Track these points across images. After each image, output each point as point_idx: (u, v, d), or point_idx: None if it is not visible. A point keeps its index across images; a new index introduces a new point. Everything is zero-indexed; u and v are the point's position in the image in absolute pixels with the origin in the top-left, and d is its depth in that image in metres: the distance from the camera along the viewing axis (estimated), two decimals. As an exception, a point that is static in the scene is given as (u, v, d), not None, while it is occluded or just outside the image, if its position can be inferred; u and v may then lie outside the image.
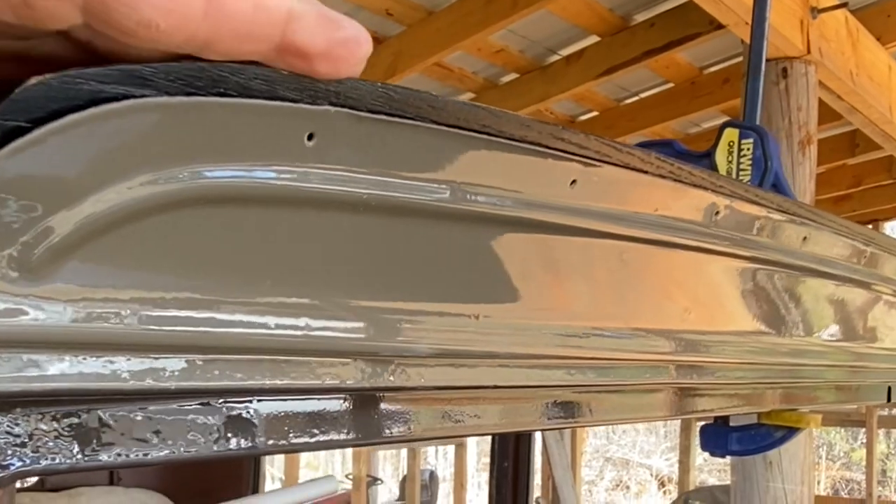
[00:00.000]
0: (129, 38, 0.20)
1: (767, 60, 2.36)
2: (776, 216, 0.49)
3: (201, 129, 0.23)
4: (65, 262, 0.22)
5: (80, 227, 0.22)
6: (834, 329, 0.66)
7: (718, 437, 0.82)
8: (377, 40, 2.86)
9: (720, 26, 2.33)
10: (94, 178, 0.21)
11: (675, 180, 0.40)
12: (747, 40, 2.28)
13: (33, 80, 0.20)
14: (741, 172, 0.81)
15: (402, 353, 0.31)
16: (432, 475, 5.33)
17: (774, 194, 0.48)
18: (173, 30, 0.20)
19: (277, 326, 0.27)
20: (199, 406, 0.27)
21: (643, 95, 3.30)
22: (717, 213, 0.44)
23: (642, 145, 0.98)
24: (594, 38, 2.89)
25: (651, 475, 10.07)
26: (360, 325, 0.30)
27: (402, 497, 4.75)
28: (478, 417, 0.39)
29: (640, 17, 2.80)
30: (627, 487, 10.22)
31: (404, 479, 4.51)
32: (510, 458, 1.18)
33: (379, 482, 4.77)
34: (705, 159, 0.85)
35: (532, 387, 0.39)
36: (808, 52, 2.33)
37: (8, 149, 0.20)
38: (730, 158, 0.82)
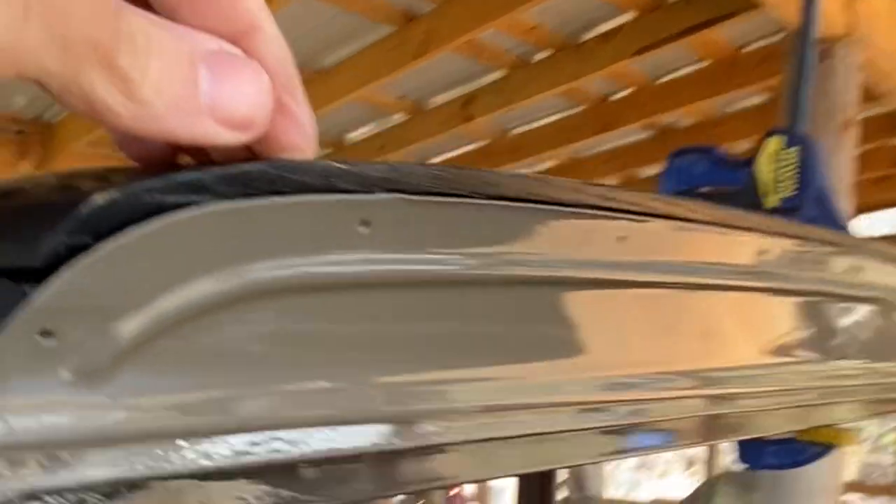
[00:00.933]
0: None
1: (808, 41, 2.32)
2: (821, 249, 0.48)
3: (258, 228, 0.23)
4: (128, 366, 0.22)
5: (142, 333, 0.22)
6: (872, 349, 0.66)
7: (754, 449, 0.82)
8: (408, 18, 2.84)
9: (758, 4, 2.28)
10: (155, 286, 0.22)
11: (723, 226, 0.40)
12: (786, 18, 2.22)
13: (99, 199, 0.20)
14: (785, 182, 0.80)
15: (445, 414, 0.32)
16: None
17: (818, 229, 0.48)
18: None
19: (327, 403, 0.27)
20: (248, 480, 0.28)
21: (679, 74, 3.24)
22: (764, 252, 0.44)
23: (682, 152, 0.97)
24: (630, 16, 2.84)
25: (677, 456, 10.06)
26: (408, 392, 0.30)
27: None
28: (513, 458, 0.39)
29: (677, -5, 2.74)
30: (652, 468, 10.23)
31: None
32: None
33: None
34: (746, 167, 0.84)
35: (571, 431, 0.40)
36: (851, 32, 2.27)
37: (74, 266, 0.20)
38: (773, 167, 0.80)
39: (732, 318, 0.46)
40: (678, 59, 3.13)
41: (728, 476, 3.71)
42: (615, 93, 3.44)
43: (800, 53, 0.90)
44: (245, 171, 0.22)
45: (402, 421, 0.30)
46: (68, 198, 0.21)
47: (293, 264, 0.24)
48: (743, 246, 0.42)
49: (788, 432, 0.77)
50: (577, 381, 0.36)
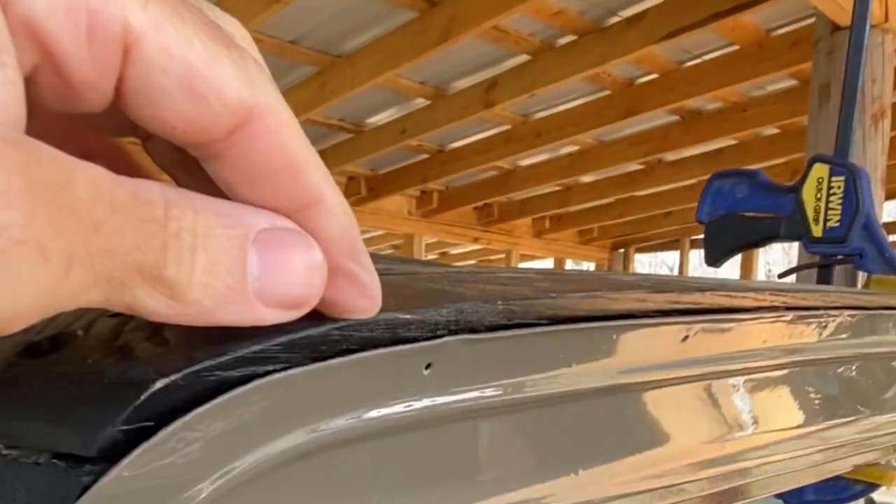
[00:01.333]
0: (143, 124, 0.20)
1: (841, 29, 2.25)
2: (876, 314, 0.46)
3: (326, 389, 0.22)
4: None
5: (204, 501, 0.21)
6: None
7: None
8: (431, 3, 2.81)
9: (791, -10, 2.22)
10: (221, 459, 0.21)
11: (786, 310, 0.38)
12: (816, 3, 2.17)
13: (159, 384, 0.19)
14: (830, 211, 0.77)
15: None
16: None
17: (876, 295, 0.46)
18: (187, 136, 0.20)
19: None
20: None
21: (706, 58, 3.18)
22: (826, 326, 0.42)
23: (723, 174, 0.94)
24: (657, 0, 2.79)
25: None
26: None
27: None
28: None
29: (706, -22, 2.68)
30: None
31: None
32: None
33: None
34: (791, 194, 0.81)
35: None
36: (886, 19, 2.21)
37: (136, 453, 0.19)
38: (818, 196, 0.77)
39: (790, 393, 0.44)
40: (705, 43, 3.07)
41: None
42: (641, 77, 3.39)
43: (846, 79, 0.86)
44: (308, 336, 0.21)
45: None
46: (130, 381, 0.19)
47: (355, 416, 0.23)
48: (810, 323, 0.40)
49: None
50: (627, 478, 0.35)
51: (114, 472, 0.19)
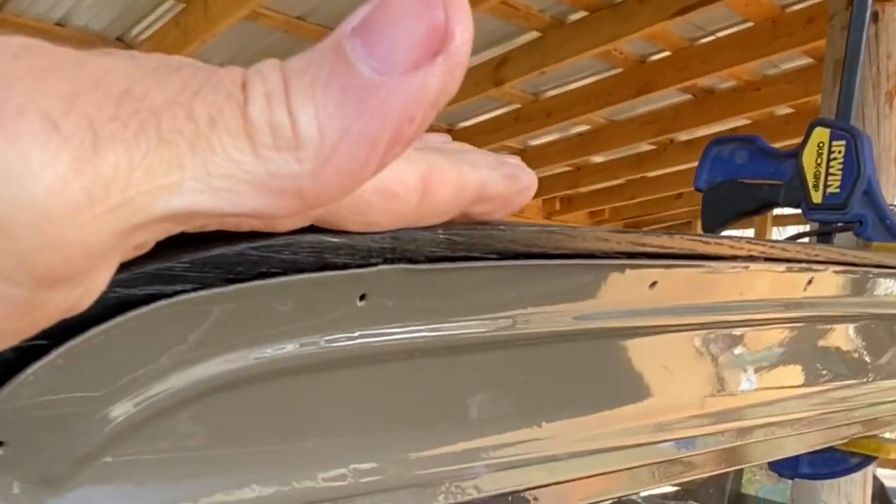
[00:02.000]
0: (354, 230, 0.21)
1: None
2: (870, 274, 0.44)
3: (243, 314, 0.21)
4: (87, 476, 0.20)
5: (109, 433, 0.20)
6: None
7: (789, 459, 0.79)
8: (441, -22, 2.77)
9: (807, -35, 2.17)
10: (124, 383, 0.20)
11: (764, 260, 0.36)
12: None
13: None
14: (830, 177, 0.75)
15: (459, 477, 0.30)
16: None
17: (866, 252, 0.44)
18: (392, 224, 0.21)
19: (332, 479, 0.25)
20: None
21: (720, 35, 3.12)
22: (810, 282, 0.40)
23: (721, 140, 0.92)
24: (669, -25, 2.74)
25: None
26: (419, 460, 0.28)
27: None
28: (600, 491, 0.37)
29: (720, -47, 2.62)
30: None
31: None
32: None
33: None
34: (791, 159, 0.79)
35: (593, 476, 0.37)
36: (904, -7, 2.15)
37: (28, 371, 0.18)
38: (818, 161, 0.75)
39: (768, 350, 0.43)
40: (719, 20, 3.01)
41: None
42: (653, 54, 3.33)
43: (851, 38, 0.84)
44: (222, 255, 0.20)
45: (418, 486, 0.28)
46: None
47: (280, 347, 0.22)
48: (789, 277, 0.39)
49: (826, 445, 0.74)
50: (590, 432, 0.33)
51: (4, 391, 0.18)
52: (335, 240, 0.21)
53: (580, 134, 4.18)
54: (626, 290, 0.31)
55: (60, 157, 0.14)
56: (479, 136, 4.04)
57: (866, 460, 0.74)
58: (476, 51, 3.32)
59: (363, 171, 0.16)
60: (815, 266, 0.39)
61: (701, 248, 0.32)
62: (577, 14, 3.03)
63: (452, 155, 0.23)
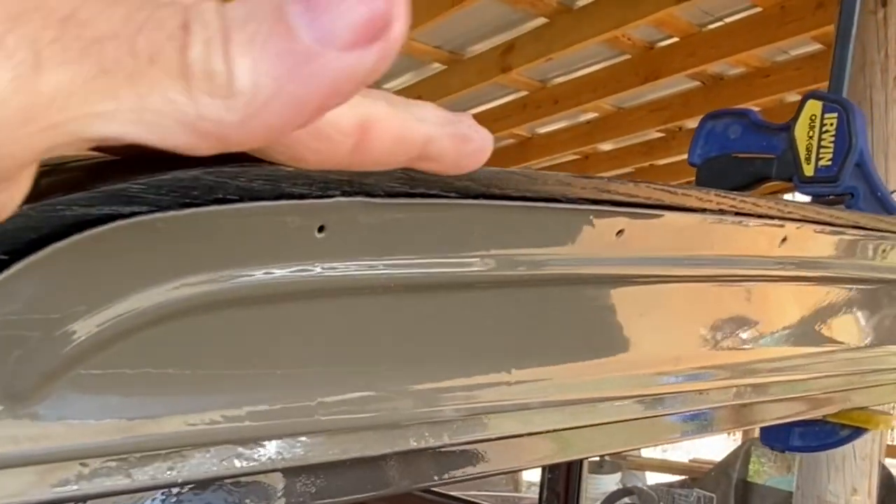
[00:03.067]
0: (279, 162, 0.21)
1: (867, -15, 2.18)
2: (847, 235, 0.45)
3: (199, 238, 0.21)
4: (56, 386, 0.21)
5: (72, 351, 0.21)
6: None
7: (780, 431, 0.79)
8: (446, -36, 2.76)
9: (816, -52, 2.15)
10: (83, 303, 0.20)
11: (735, 214, 0.37)
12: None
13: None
14: (822, 150, 0.75)
15: (430, 419, 0.30)
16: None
17: (843, 212, 0.44)
18: (320, 164, 0.21)
19: (295, 413, 0.26)
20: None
21: (728, 20, 3.10)
22: (784, 239, 0.41)
23: (715, 115, 0.92)
24: (677, -40, 2.72)
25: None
26: (385, 399, 0.28)
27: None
28: (520, 454, 0.38)
29: (728, -63, 2.61)
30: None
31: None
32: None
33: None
34: (783, 133, 0.79)
35: (571, 428, 0.38)
36: (913, -23, 2.13)
37: (-9, 284, 0.19)
38: (810, 133, 0.75)
39: (770, 308, 0.43)
40: (728, 5, 2.99)
41: (765, 435, 3.68)
42: (661, 40, 3.31)
43: (843, 10, 0.84)
44: (177, 179, 0.21)
45: (373, 427, 0.29)
46: None
47: (239, 275, 0.23)
48: (762, 234, 0.39)
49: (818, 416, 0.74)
50: (562, 381, 0.34)
51: (-34, 304, 0.19)
52: (291, 169, 0.22)
53: (588, 121, 4.17)
54: (592, 237, 0.31)
55: (0, 74, 0.14)
56: (487, 124, 3.97)
57: (856, 432, 0.74)
58: (482, 37, 3.31)
59: (286, 127, 0.17)
60: (788, 223, 0.40)
61: (668, 199, 0.33)
62: (585, 0, 3.02)
63: (399, 106, 0.22)
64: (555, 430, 0.37)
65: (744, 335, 0.43)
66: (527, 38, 3.22)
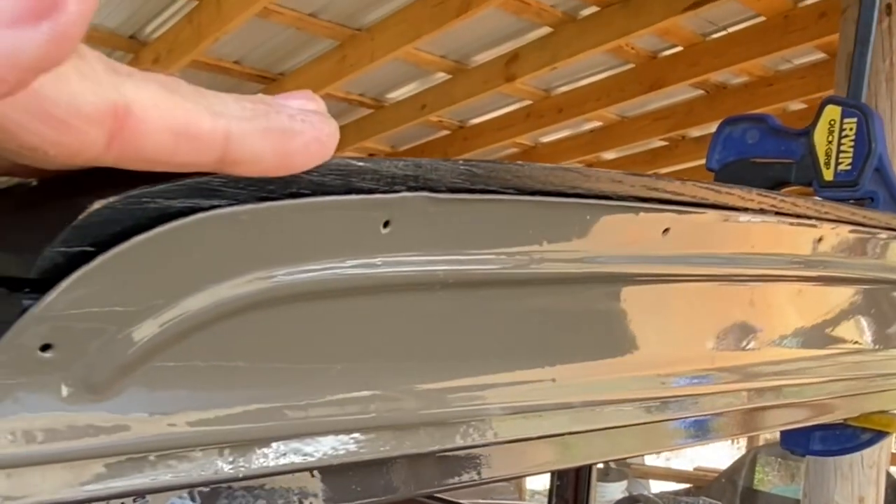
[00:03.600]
0: (21, 159, 0.18)
1: (871, -5, 2.20)
2: (880, 236, 0.45)
3: (274, 232, 0.22)
4: (133, 378, 0.21)
5: (149, 343, 0.21)
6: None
7: (801, 435, 0.79)
8: (452, -26, 2.78)
9: (820, -43, 2.17)
10: (164, 295, 0.21)
11: (775, 214, 0.37)
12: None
13: (97, 205, 0.19)
14: (842, 154, 0.75)
15: (477, 416, 0.30)
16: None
17: (874, 212, 0.45)
18: (68, 158, 0.18)
19: (355, 407, 0.26)
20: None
21: (732, 30, 3.12)
22: (819, 240, 0.41)
23: (734, 120, 0.92)
24: (681, -31, 2.73)
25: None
26: (438, 397, 0.29)
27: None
28: (551, 456, 0.38)
29: (731, -53, 2.62)
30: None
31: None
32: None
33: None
34: (802, 138, 0.79)
35: (606, 429, 0.38)
36: (918, -15, 2.14)
37: (75, 276, 0.19)
38: (830, 139, 0.75)
39: (788, 308, 0.43)
40: (731, 14, 3.01)
41: (771, 447, 3.68)
42: (665, 50, 3.33)
43: (862, 16, 0.84)
44: None
45: (433, 424, 0.29)
46: (69, 205, 0.19)
47: (309, 268, 0.23)
48: (799, 234, 0.39)
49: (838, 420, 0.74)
50: (600, 381, 0.34)
51: (52, 294, 0.19)
52: (361, 164, 0.22)
53: (592, 130, 4.18)
54: (639, 234, 0.32)
55: None
56: (491, 133, 4.05)
57: (878, 436, 0.74)
58: (488, 46, 3.33)
59: None
60: (825, 223, 0.40)
61: (712, 197, 0.33)
62: (589, 9, 3.03)
63: (184, 95, 0.19)
64: (596, 430, 0.37)
65: (771, 337, 0.43)
66: (531, 47, 3.23)
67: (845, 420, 0.73)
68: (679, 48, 3.28)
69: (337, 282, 0.24)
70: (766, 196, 0.36)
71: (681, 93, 3.67)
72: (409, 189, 0.24)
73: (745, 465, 3.92)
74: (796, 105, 3.72)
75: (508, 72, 3.32)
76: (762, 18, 3.00)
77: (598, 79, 3.56)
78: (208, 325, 0.22)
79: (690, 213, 0.33)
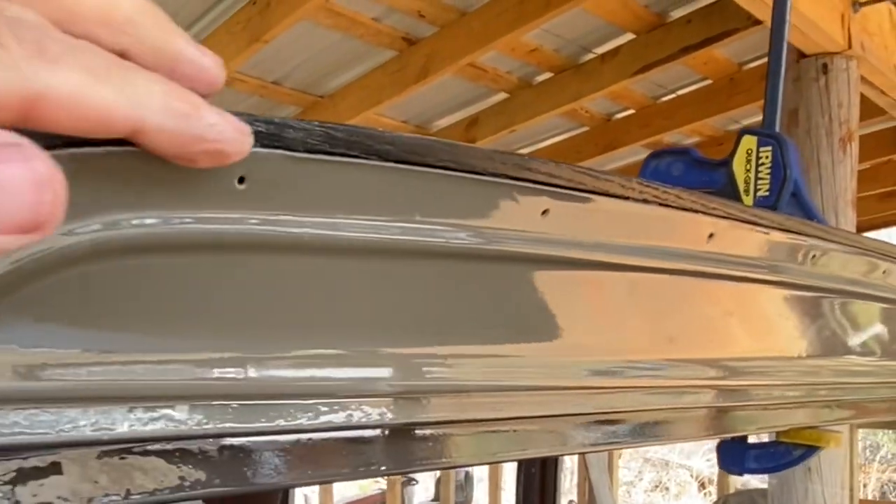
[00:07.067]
0: None
1: (806, 56, 2.30)
2: (775, 236, 0.46)
3: (120, 178, 0.22)
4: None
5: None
6: (856, 344, 0.64)
7: (736, 454, 0.80)
8: (409, 42, 2.86)
9: (758, 21, 2.28)
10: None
11: (659, 205, 0.38)
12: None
13: None
14: (759, 181, 0.78)
15: (359, 393, 0.30)
16: (467, 476, 5.27)
17: (768, 212, 0.46)
18: None
19: (222, 368, 0.26)
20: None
21: (681, 93, 3.23)
22: (711, 235, 0.42)
23: (658, 154, 0.95)
24: (629, 36, 2.84)
25: (691, 476, 9.86)
26: (305, 362, 0.29)
27: (437, 497, 4.73)
28: (515, 443, 0.38)
29: (676, 14, 2.74)
30: (667, 489, 10.02)
31: (439, 479, 4.49)
32: (537, 463, 1.17)
33: (414, 482, 4.77)
34: (722, 168, 0.83)
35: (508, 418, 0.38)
36: (850, 46, 2.25)
37: None
38: (748, 167, 0.79)
39: (680, 306, 0.44)
40: (680, 78, 3.12)
41: (739, 494, 3.66)
42: (617, 112, 3.44)
43: (772, 49, 0.89)
44: None
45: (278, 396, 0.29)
46: None
47: (161, 218, 0.23)
48: (689, 227, 0.41)
49: (773, 432, 0.74)
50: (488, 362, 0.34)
51: None
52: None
53: (552, 193, 4.26)
54: (516, 213, 0.32)
55: None
56: (453, 197, 4.09)
57: (809, 451, 0.75)
58: (448, 112, 3.41)
59: None
60: (716, 219, 0.41)
61: (590, 182, 0.34)
62: (543, 75, 3.13)
63: (114, 83, 0.20)
64: (494, 419, 0.37)
65: (676, 332, 0.44)
66: (490, 112, 3.31)
67: (777, 437, 0.74)
68: (631, 111, 3.38)
69: (189, 233, 0.24)
70: (649, 186, 0.37)
71: (634, 153, 3.76)
72: (263, 146, 0.24)
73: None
74: (748, 165, 3.83)
75: (469, 135, 3.39)
76: (709, 81, 3.12)
77: (555, 141, 3.65)
78: (56, 269, 0.22)
79: (569, 196, 0.34)
